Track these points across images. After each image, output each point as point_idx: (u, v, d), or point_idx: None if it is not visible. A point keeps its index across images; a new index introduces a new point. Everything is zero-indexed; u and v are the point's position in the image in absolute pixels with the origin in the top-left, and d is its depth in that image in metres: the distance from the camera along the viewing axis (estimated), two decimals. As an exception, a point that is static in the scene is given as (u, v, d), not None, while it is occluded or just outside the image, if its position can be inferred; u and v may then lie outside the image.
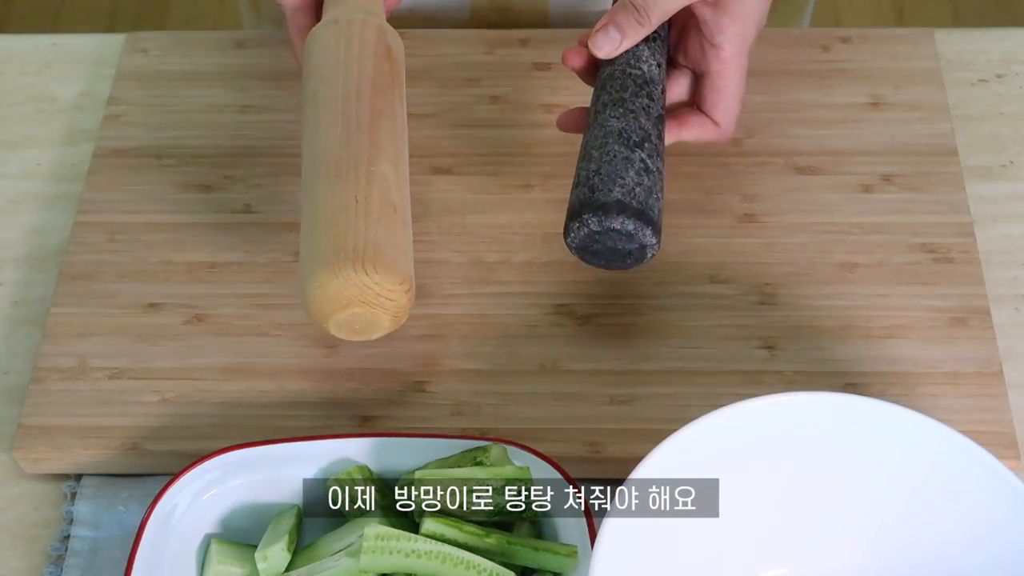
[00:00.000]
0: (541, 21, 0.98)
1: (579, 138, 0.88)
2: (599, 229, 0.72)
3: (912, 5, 2.13)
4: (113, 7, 2.16)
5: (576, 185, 0.74)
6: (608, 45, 0.77)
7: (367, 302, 0.71)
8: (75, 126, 0.93)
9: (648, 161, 0.74)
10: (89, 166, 0.89)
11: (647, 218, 0.72)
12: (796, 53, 0.93)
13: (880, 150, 0.88)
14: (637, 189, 0.73)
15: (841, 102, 0.90)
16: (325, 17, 0.79)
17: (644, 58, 0.78)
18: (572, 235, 0.73)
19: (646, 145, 0.75)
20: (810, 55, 0.93)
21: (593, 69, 0.80)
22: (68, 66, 0.96)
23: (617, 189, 0.72)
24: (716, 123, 0.80)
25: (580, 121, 0.80)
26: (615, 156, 0.73)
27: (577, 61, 0.80)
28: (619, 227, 0.72)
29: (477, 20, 0.98)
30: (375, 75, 0.76)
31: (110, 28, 2.09)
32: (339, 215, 0.71)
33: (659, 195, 0.74)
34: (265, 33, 0.97)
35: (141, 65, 0.94)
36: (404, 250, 0.73)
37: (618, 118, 0.75)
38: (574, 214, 0.73)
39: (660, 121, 0.77)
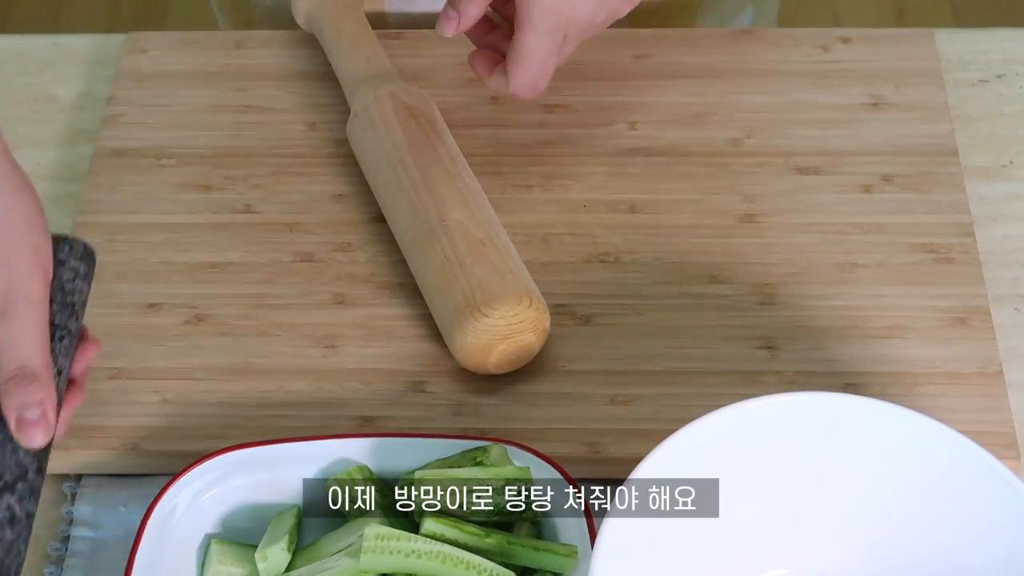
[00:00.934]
0: None
1: (581, 138, 0.89)
2: None
3: (912, 5, 2.13)
4: (113, 7, 2.16)
5: None
6: (448, 24, 0.78)
7: (505, 336, 0.75)
8: (75, 126, 0.93)
9: (16, 508, 0.61)
10: (89, 166, 0.89)
11: None
12: (796, 53, 0.93)
13: (880, 150, 0.88)
14: None
15: (841, 102, 0.90)
16: (351, 112, 0.86)
17: None
18: None
19: (19, 486, 0.62)
20: (810, 55, 0.93)
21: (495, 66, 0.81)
22: (68, 66, 0.96)
23: None
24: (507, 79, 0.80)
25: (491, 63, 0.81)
26: None
27: (484, 69, 0.81)
28: None
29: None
30: (408, 138, 0.82)
31: (110, 28, 2.09)
32: (441, 280, 0.77)
33: (24, 545, 0.62)
34: (265, 33, 0.97)
35: (141, 65, 0.94)
36: (509, 271, 0.77)
37: None
38: None
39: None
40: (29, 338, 0.61)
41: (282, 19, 0.98)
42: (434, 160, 0.81)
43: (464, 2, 0.78)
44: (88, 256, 0.67)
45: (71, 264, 0.66)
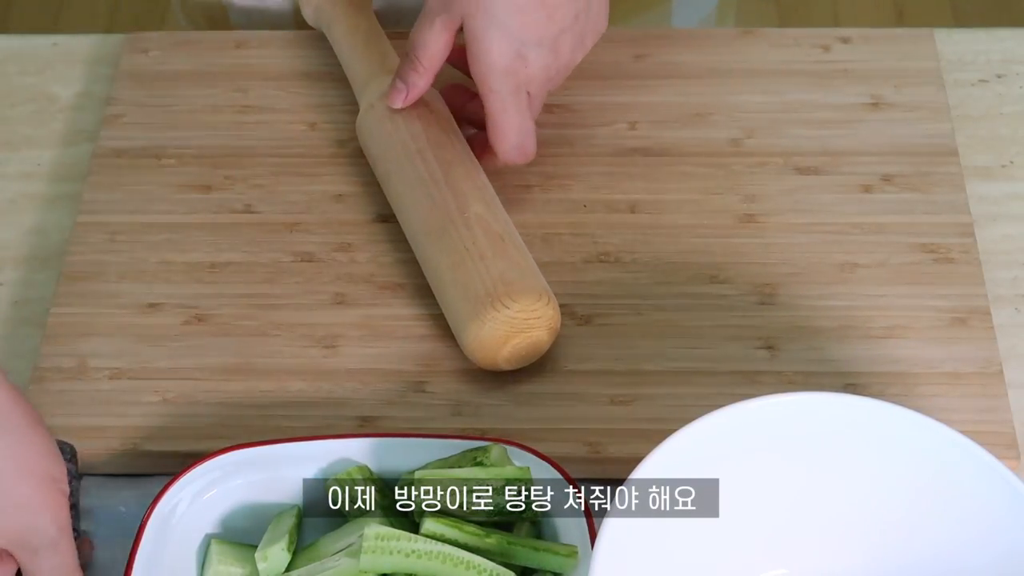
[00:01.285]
0: None
1: (581, 138, 0.89)
2: None
3: (912, 5, 2.13)
4: (113, 7, 2.16)
5: None
6: (397, 96, 0.81)
7: (520, 330, 0.75)
8: (75, 126, 0.93)
9: None
10: (89, 166, 0.89)
11: None
12: (796, 53, 0.93)
13: (880, 150, 0.88)
14: None
15: (841, 102, 0.90)
16: (361, 106, 0.85)
17: None
18: None
19: None
20: (810, 55, 0.93)
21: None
22: (68, 66, 0.96)
23: None
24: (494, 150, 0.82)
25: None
26: None
27: (480, 154, 0.84)
28: None
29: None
30: (426, 131, 0.82)
31: (110, 28, 2.09)
32: (459, 270, 0.77)
33: None
34: (265, 33, 0.97)
35: (141, 65, 0.94)
36: (528, 268, 0.77)
37: None
38: None
39: None
40: (71, 560, 0.69)
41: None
42: (454, 156, 0.82)
43: (412, 74, 0.81)
44: (75, 455, 0.72)
45: (67, 467, 0.70)
